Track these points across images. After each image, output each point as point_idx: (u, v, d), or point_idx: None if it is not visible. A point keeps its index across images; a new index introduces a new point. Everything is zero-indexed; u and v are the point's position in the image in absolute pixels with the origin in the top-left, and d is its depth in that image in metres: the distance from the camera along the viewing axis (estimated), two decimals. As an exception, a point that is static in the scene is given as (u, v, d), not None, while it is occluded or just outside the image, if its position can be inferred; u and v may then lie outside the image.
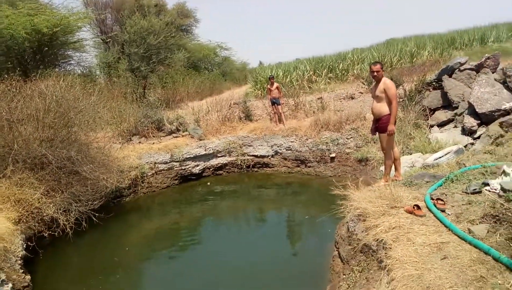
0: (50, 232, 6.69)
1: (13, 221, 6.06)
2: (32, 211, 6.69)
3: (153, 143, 10.57)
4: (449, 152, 6.52)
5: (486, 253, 2.79)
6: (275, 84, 10.78)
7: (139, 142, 10.61)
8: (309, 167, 10.20)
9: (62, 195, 7.30)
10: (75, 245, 6.99)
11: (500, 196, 3.57)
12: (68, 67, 16.59)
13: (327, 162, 9.85)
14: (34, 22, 12.54)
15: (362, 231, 3.96)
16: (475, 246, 2.93)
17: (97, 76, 19.74)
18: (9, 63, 12.47)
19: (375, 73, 4.95)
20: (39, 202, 6.80)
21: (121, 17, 19.92)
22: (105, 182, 8.16)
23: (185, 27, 27.07)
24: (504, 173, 3.87)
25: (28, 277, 5.45)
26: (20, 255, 5.70)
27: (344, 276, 4.38)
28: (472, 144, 7.23)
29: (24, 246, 5.95)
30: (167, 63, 19.02)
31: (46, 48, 13.95)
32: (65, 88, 7.81)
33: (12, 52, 13.07)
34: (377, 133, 5.20)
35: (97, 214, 7.34)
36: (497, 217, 3.20)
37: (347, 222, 4.80)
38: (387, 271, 2.96)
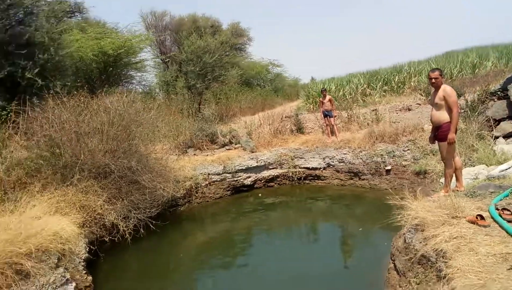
0: (110, 237, 7.11)
1: (78, 225, 6.50)
2: (95, 216, 7.12)
3: (207, 155, 10.91)
4: (517, 164, 6.04)
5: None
6: (328, 97, 10.73)
7: (194, 154, 11.01)
8: (363, 179, 9.92)
9: (123, 202, 7.73)
10: (133, 250, 7.34)
11: None
12: (130, 86, 17.75)
13: (382, 175, 9.53)
14: (100, 44, 13.63)
15: (420, 242, 3.77)
16: (548, 257, 2.69)
17: (156, 94, 20.92)
18: (78, 82, 13.63)
19: (433, 80, 4.79)
20: (101, 208, 7.24)
21: (179, 38, 21.04)
22: (162, 191, 8.52)
23: (239, 45, 27.92)
24: None
25: (90, 278, 5.76)
26: (83, 257, 6.03)
27: (400, 288, 4.19)
28: (544, 155, 6.65)
29: (87, 249, 6.33)
30: (221, 80, 19.68)
31: (111, 69, 15.00)
32: (128, 103, 8.34)
33: (81, 72, 14.21)
34: (436, 142, 4.97)
35: (154, 222, 7.67)
36: None
37: (404, 233, 4.60)
38: (446, 280, 2.79)
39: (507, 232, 3.29)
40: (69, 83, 10.40)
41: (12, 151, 6.94)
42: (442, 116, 4.69)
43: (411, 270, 4.02)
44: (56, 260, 5.09)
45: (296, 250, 7.37)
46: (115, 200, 7.58)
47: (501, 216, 3.48)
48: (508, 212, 3.54)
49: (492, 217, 3.56)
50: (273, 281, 5.96)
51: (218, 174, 10.54)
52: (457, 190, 4.82)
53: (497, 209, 3.66)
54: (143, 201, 8.03)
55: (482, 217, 3.55)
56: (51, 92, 8.12)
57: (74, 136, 7.75)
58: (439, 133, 4.79)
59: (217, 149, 11.37)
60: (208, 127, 11.57)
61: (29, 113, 7.75)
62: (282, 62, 32.25)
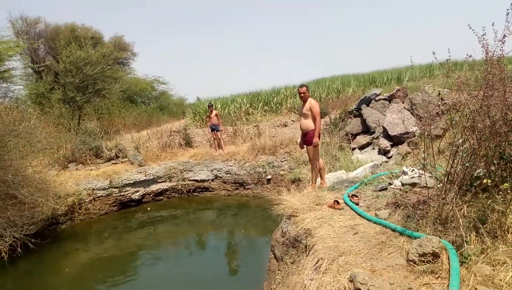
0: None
1: None
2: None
3: (91, 170, 10.49)
4: (367, 168, 7.51)
5: (386, 226, 3.53)
6: (214, 112, 11.42)
7: (76, 169, 10.47)
8: (247, 189, 10.78)
9: (-4, 219, 7.08)
10: (10, 270, 6.80)
11: (400, 190, 4.42)
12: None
13: (264, 184, 10.52)
14: (-38, 49, 12.07)
15: (293, 225, 4.56)
16: (379, 224, 3.67)
17: (27, 106, 18.93)
18: None
19: (302, 94, 5.80)
20: (-30, 226, 6.55)
21: (56, 47, 19.58)
22: (41, 208, 8.01)
23: (122, 60, 27.09)
24: (404, 172, 4.77)
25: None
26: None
27: (279, 272, 4.91)
28: (387, 161, 8.34)
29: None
30: (103, 94, 18.88)
31: (-29, 77, 13.33)
32: (4, 111, 7.72)
33: None
34: (305, 146, 5.97)
35: (33, 240, 7.20)
36: (397, 204, 4.00)
37: (281, 226, 5.40)
38: (311, 246, 3.56)
39: (353, 210, 4.29)
40: None
41: None
42: (309, 124, 5.70)
43: (287, 254, 4.78)
44: None
45: (185, 261, 7.64)
46: (-13, 217, 6.91)
47: (351, 201, 4.48)
48: (356, 198, 4.57)
49: (345, 202, 4.55)
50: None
51: (104, 189, 10.23)
52: (322, 186, 5.86)
53: (348, 196, 4.68)
54: (20, 218, 7.48)
55: (338, 202, 4.51)
56: None
57: None
58: (306, 138, 5.78)
59: (102, 163, 11.00)
60: (91, 140, 11.14)
61: None
62: (167, 80, 32.10)
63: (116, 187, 10.41)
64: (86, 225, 9.75)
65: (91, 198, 10.01)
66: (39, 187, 8.31)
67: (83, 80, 16.52)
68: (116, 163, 11.03)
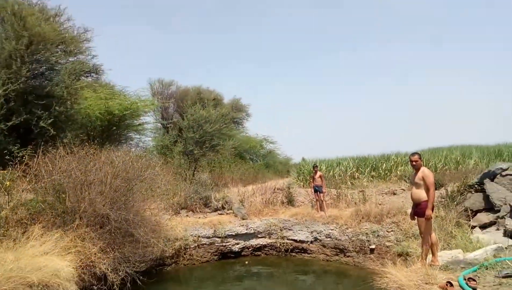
0: (99, 286, 7.23)
1: (73, 268, 6.67)
2: (88, 264, 7.30)
3: (199, 218, 11.26)
4: (489, 250, 6.57)
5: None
6: (319, 173, 11.46)
7: (187, 215, 11.34)
8: (348, 256, 10.24)
9: (114, 254, 7.94)
10: (119, 303, 7.40)
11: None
12: (128, 146, 18.32)
13: (366, 253, 9.88)
14: (108, 104, 14.43)
15: (397, 303, 4.18)
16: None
17: (153, 156, 21.51)
18: (81, 135, 14.21)
19: (414, 163, 5.54)
20: (95, 256, 7.45)
21: (183, 106, 22.31)
22: (152, 248, 8.75)
23: (237, 119, 29.38)
24: (536, 260, 4.07)
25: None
26: (74, 300, 6.16)
27: None
28: (514, 245, 7.19)
29: (76, 295, 6.42)
30: (217, 149, 20.52)
31: (114, 128, 15.69)
32: (134, 158, 8.93)
33: (84, 128, 14.83)
34: (416, 218, 5.56)
35: (141, 277, 7.83)
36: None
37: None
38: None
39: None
40: (81, 136, 11.00)
41: (22, 191, 7.30)
42: (421, 194, 5.35)
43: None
44: (53, 297, 5.26)
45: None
46: (108, 250, 7.80)
47: (467, 284, 3.96)
48: (474, 282, 4.02)
49: (459, 285, 4.03)
50: None
51: (208, 237, 10.79)
52: (433, 264, 5.29)
53: (464, 279, 4.15)
54: (134, 255, 8.25)
55: (451, 284, 4.02)
56: (61, 141, 8.69)
57: (79, 184, 8.19)
58: (418, 209, 5.40)
59: (209, 212, 11.74)
60: (203, 190, 12.05)
61: (41, 158, 8.27)
62: (275, 139, 33.49)
63: (219, 237, 10.90)
64: (188, 270, 10.28)
65: (196, 244, 10.62)
66: (153, 228, 9.15)
67: (202, 135, 18.30)
68: (221, 214, 11.67)
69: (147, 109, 18.68)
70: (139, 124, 18.17)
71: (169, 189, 12.05)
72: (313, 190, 11.65)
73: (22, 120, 9.96)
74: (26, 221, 7.22)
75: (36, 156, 8.26)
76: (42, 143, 9.37)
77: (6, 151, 8.29)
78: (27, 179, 7.75)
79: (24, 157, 7.76)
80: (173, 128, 21.68)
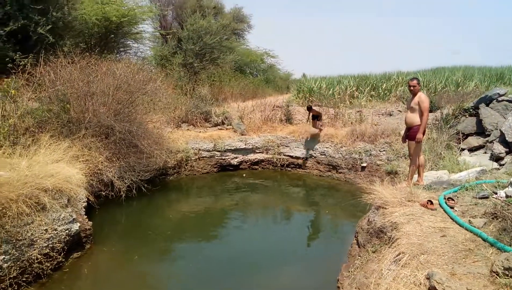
0: (106, 192, 7.79)
1: (82, 175, 7.13)
2: (95, 171, 7.76)
3: (200, 132, 11.62)
4: (472, 172, 7.00)
5: (477, 235, 3.44)
6: (314, 110, 11.57)
7: (188, 129, 11.69)
8: (340, 173, 10.84)
9: (120, 163, 8.41)
10: (125, 208, 8.06)
11: (503, 201, 4.16)
12: (125, 55, 17.96)
13: (357, 171, 10.45)
14: (105, 10, 13.80)
15: (380, 217, 4.64)
16: (470, 231, 3.58)
17: (151, 67, 21.19)
18: (81, 44, 13.88)
19: (412, 88, 5.65)
20: (101, 165, 7.89)
21: (182, 15, 21.38)
22: (155, 159, 9.21)
23: (238, 31, 28.30)
24: (511, 184, 4.44)
25: (90, 222, 6.43)
26: (84, 205, 6.70)
27: (359, 257, 5.06)
28: (497, 169, 7.63)
29: (86, 199, 6.95)
30: (218, 62, 20.19)
31: (112, 36, 15.23)
32: (137, 70, 8.93)
33: (82, 36, 14.41)
34: (407, 141, 5.85)
35: (146, 185, 8.39)
36: (495, 214, 3.81)
37: (368, 215, 5.48)
38: (395, 239, 3.65)
39: (446, 212, 4.19)
40: (81, 44, 10.79)
41: (28, 100, 7.45)
42: (415, 118, 5.56)
43: (370, 242, 4.90)
44: (66, 201, 5.74)
45: (269, 230, 8.12)
46: (114, 159, 8.25)
47: (446, 203, 4.37)
48: (452, 201, 4.43)
49: (439, 204, 4.45)
50: (243, 253, 6.63)
51: (208, 150, 11.27)
52: (418, 184, 5.72)
53: (444, 198, 4.55)
54: (138, 165, 8.74)
55: (431, 202, 4.43)
56: (61, 50, 8.58)
57: (82, 94, 8.32)
58: (410, 133, 5.66)
59: (209, 127, 12.08)
60: (203, 105, 12.24)
61: (43, 67, 8.26)
62: (277, 53, 32.63)
63: (219, 151, 11.39)
64: (190, 180, 10.93)
65: (197, 157, 11.14)
66: (156, 140, 9.53)
67: (202, 47, 17.92)
68: (221, 129, 12.01)
69: (145, 16, 17.92)
70: (137, 32, 17.62)
71: (170, 103, 12.22)
72: (311, 119, 11.79)
73: (19, 25, 9.70)
74: (33, 130, 7.49)
75: (39, 65, 8.26)
76: (43, 51, 9.27)
77: (8, 59, 8.22)
78: (32, 88, 7.84)
79: (26, 66, 7.73)
80: (172, 38, 21.02)
